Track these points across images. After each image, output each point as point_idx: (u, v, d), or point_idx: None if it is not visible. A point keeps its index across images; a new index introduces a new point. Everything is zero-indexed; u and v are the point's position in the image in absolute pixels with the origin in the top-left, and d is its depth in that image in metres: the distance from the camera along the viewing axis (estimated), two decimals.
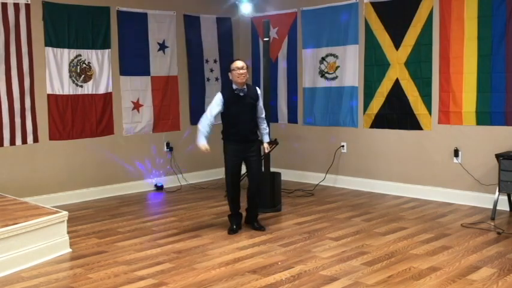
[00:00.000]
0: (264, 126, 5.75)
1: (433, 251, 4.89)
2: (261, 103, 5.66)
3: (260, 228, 5.65)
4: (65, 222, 5.10)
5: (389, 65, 7.14)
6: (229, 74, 5.50)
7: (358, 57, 7.46)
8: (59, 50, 6.92)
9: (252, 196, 5.64)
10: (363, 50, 7.41)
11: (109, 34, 7.35)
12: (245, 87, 5.51)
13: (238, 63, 5.45)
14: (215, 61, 8.57)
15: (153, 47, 7.83)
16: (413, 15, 6.85)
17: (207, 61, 8.47)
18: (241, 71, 5.41)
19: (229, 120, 5.53)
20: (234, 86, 5.50)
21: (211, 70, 8.53)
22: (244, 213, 5.80)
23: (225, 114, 5.53)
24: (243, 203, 5.74)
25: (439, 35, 6.68)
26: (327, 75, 7.83)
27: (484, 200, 6.37)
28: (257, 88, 5.70)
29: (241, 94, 5.49)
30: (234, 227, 5.61)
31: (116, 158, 7.53)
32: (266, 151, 5.89)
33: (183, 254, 4.89)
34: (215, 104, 5.49)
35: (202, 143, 5.47)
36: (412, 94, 6.96)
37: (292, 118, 8.30)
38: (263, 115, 5.72)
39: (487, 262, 4.56)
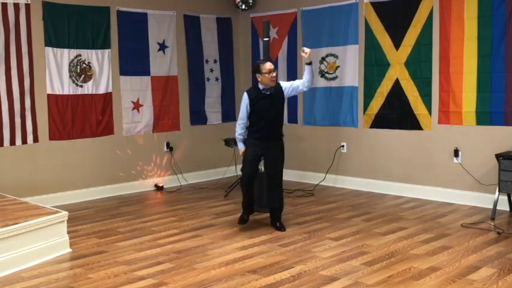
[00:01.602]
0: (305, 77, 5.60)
1: (433, 251, 4.89)
2: (289, 83, 5.63)
3: (280, 228, 5.64)
4: (65, 222, 5.10)
5: (389, 65, 7.14)
6: (258, 75, 5.49)
7: (358, 57, 7.46)
8: (59, 50, 6.92)
9: (275, 194, 5.67)
10: (363, 50, 7.41)
11: (109, 34, 7.35)
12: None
13: (270, 66, 5.45)
14: (215, 61, 8.57)
15: (153, 47, 7.83)
16: (413, 15, 6.85)
17: (207, 61, 8.46)
18: (273, 74, 5.44)
19: (254, 119, 5.55)
20: (261, 86, 5.52)
21: (211, 70, 8.53)
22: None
23: (250, 112, 5.56)
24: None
25: (439, 35, 6.68)
26: (327, 75, 7.83)
27: (484, 200, 6.37)
28: (279, 82, 5.64)
29: (268, 93, 5.51)
30: (245, 216, 5.70)
31: (116, 158, 7.52)
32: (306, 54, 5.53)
33: (183, 254, 4.89)
34: (243, 107, 5.57)
35: (240, 148, 5.66)
36: (412, 94, 6.96)
37: (292, 118, 8.30)
38: (299, 81, 5.64)
39: (487, 262, 4.56)
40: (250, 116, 5.56)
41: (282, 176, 5.73)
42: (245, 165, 5.60)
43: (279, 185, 5.69)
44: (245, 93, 5.61)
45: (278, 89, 5.58)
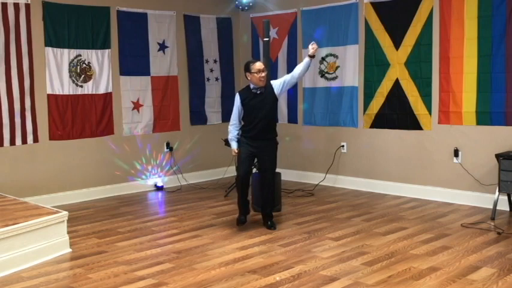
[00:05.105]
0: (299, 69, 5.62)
1: (433, 251, 4.89)
2: (280, 81, 5.63)
3: (271, 227, 5.66)
4: (65, 222, 5.10)
5: (389, 65, 7.14)
6: (248, 74, 5.54)
7: (358, 57, 7.45)
8: (59, 50, 6.92)
9: (265, 194, 5.69)
10: (363, 50, 7.40)
11: (109, 34, 7.35)
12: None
13: (260, 66, 5.50)
14: (215, 61, 8.57)
15: (153, 47, 7.83)
16: (413, 15, 6.85)
17: (207, 61, 8.46)
18: (262, 74, 5.48)
19: (247, 118, 5.59)
20: (252, 86, 5.57)
21: (211, 70, 8.53)
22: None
23: (243, 112, 5.60)
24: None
25: (439, 35, 6.68)
26: (327, 75, 7.83)
27: (484, 200, 6.37)
28: (271, 81, 5.68)
29: (258, 92, 5.54)
30: (242, 217, 5.72)
31: (116, 158, 7.52)
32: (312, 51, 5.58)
33: (183, 254, 4.89)
34: (235, 108, 5.62)
35: (233, 147, 5.66)
36: (412, 94, 6.96)
37: (292, 118, 8.30)
38: (288, 75, 5.65)
39: (487, 262, 4.57)
40: (243, 116, 5.61)
41: (274, 175, 5.77)
42: (240, 164, 5.66)
43: (271, 184, 5.71)
44: (237, 94, 5.69)
45: (269, 88, 5.61)
